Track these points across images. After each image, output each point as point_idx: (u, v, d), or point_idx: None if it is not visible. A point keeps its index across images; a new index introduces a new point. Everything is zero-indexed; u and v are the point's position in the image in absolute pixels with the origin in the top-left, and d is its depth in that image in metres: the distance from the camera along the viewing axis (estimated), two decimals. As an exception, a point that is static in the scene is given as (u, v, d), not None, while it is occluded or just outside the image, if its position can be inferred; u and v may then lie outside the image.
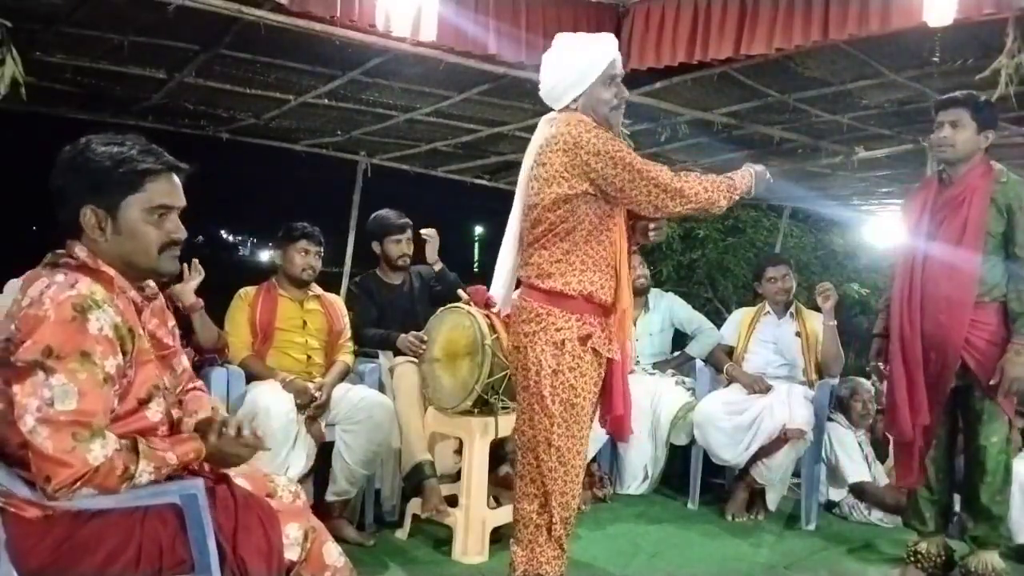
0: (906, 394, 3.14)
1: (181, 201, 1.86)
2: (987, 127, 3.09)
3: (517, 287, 2.68)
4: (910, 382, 3.14)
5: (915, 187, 3.41)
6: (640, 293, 4.72)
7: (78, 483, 1.61)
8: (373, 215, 4.25)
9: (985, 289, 3.03)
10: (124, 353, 1.73)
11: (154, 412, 1.83)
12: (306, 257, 3.66)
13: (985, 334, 3.03)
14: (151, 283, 1.93)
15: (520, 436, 2.58)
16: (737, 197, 2.49)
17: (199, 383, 2.13)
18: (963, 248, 3.02)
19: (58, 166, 1.79)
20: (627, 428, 2.72)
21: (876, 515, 4.18)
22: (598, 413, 2.69)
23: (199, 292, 3.42)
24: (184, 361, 2.06)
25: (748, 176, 2.56)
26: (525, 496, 2.56)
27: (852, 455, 4.24)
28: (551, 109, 2.66)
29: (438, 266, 4.18)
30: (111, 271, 1.78)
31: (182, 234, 1.86)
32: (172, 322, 2.01)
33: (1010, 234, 3.02)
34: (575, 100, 2.54)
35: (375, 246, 4.16)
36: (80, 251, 1.77)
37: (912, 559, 3.29)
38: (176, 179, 1.85)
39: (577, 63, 2.53)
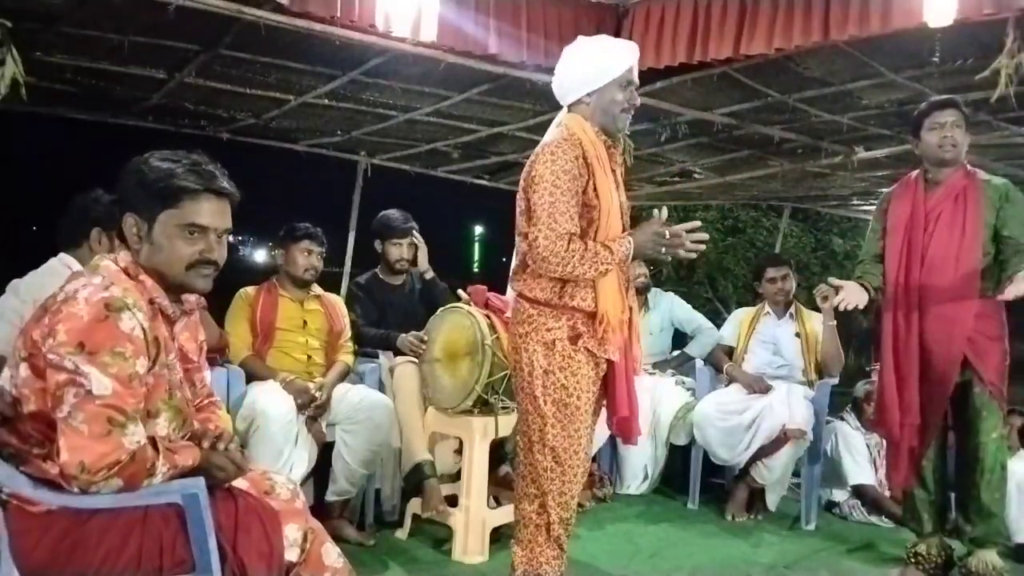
0: (896, 394, 3.16)
1: (220, 224, 1.89)
2: (968, 128, 3.18)
3: None
4: (900, 381, 3.16)
5: (893, 189, 3.39)
6: (640, 292, 4.73)
7: (114, 468, 1.65)
8: (380, 214, 4.24)
9: (987, 284, 3.05)
10: (148, 359, 1.77)
11: (162, 427, 1.86)
12: (309, 257, 3.66)
13: (984, 327, 3.06)
14: (191, 298, 1.96)
15: (520, 437, 2.60)
16: (610, 267, 2.46)
17: (216, 399, 2.18)
18: (965, 242, 3.06)
19: (121, 174, 1.87)
20: (634, 430, 2.73)
21: (876, 515, 4.18)
22: (604, 415, 2.71)
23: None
24: (207, 376, 2.11)
25: (627, 244, 2.49)
26: (525, 496, 2.58)
27: (856, 457, 4.23)
28: (552, 109, 2.67)
29: (429, 274, 4.19)
30: (148, 280, 1.84)
31: (215, 255, 1.89)
32: (202, 337, 2.07)
33: (1000, 222, 3.07)
34: (588, 95, 2.57)
35: (377, 245, 4.16)
36: (123, 258, 1.85)
37: (912, 560, 3.29)
38: (219, 202, 1.88)
39: (597, 61, 2.57)
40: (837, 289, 3.16)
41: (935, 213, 3.15)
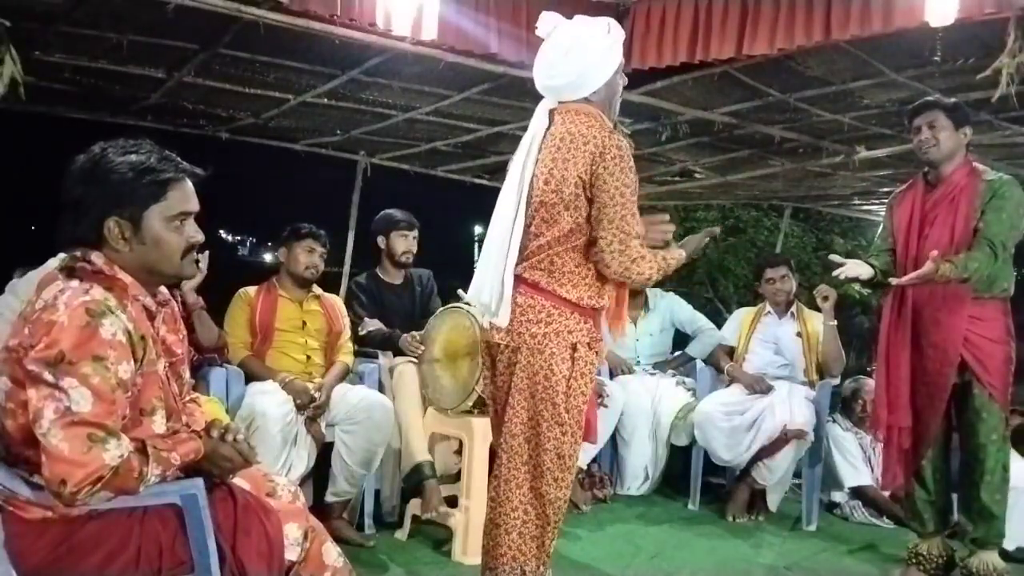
0: (884, 395, 3.17)
1: (197, 206, 1.87)
2: (962, 124, 3.11)
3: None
4: (888, 383, 3.16)
5: (899, 189, 3.40)
6: (636, 292, 4.69)
7: (97, 484, 1.60)
8: (381, 212, 4.24)
9: (984, 286, 3.03)
10: (135, 360, 1.73)
11: (159, 424, 1.82)
12: (311, 256, 3.65)
13: (984, 330, 3.05)
14: (163, 289, 1.93)
15: (523, 443, 2.41)
16: (667, 273, 2.47)
17: (195, 395, 2.13)
18: (956, 243, 3.03)
19: (75, 177, 1.77)
20: (594, 430, 2.60)
21: (877, 516, 4.17)
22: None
23: (198, 291, 3.42)
24: (186, 371, 2.05)
25: (680, 254, 2.53)
26: (521, 505, 2.41)
27: (850, 458, 4.23)
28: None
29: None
30: (127, 278, 1.78)
31: (200, 237, 1.88)
32: (183, 332, 2.01)
33: (981, 218, 3.02)
34: (595, 92, 2.41)
35: (380, 241, 4.12)
36: (96, 258, 1.77)
37: (913, 560, 3.28)
38: (191, 184, 1.86)
39: (606, 51, 2.41)
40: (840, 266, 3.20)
41: (932, 215, 3.13)
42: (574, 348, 2.37)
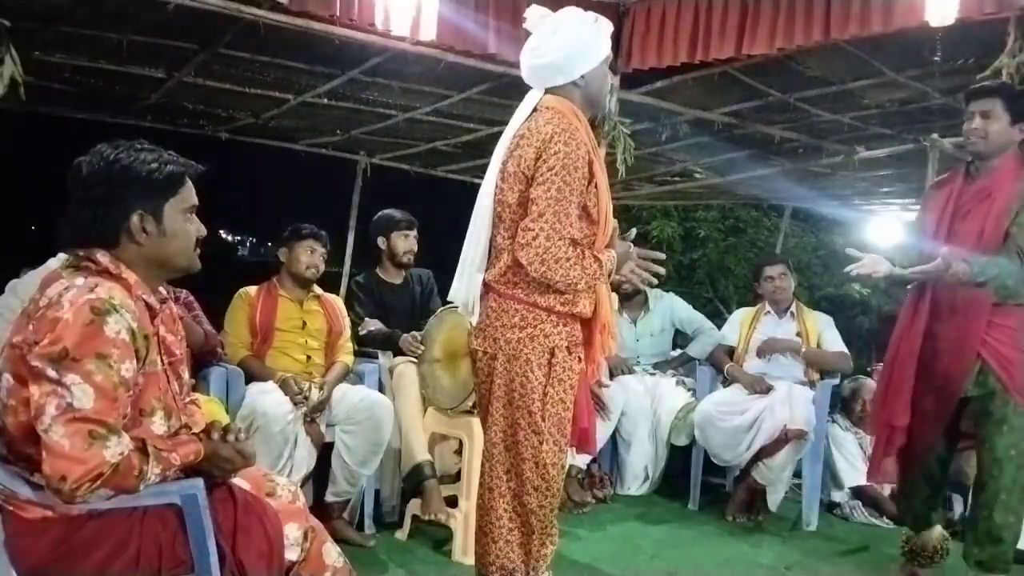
0: (884, 391, 3.07)
1: (197, 200, 1.94)
2: (1022, 119, 2.83)
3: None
4: (891, 380, 3.04)
5: (938, 179, 3.22)
6: (631, 296, 4.68)
7: (97, 481, 1.60)
8: (380, 212, 4.23)
9: (1009, 292, 2.78)
10: (138, 360, 1.74)
11: (158, 426, 1.82)
12: (312, 256, 3.65)
13: (1008, 338, 2.81)
14: (162, 289, 1.94)
15: (504, 452, 2.36)
16: (599, 281, 2.34)
17: (195, 396, 2.13)
18: (983, 243, 2.78)
19: (96, 177, 1.79)
20: (592, 440, 2.57)
21: (876, 516, 4.18)
22: None
23: (196, 291, 3.42)
24: (186, 372, 2.05)
25: (612, 259, 2.36)
26: (506, 513, 2.37)
27: (850, 458, 4.23)
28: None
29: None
30: (132, 277, 1.79)
31: (204, 231, 1.95)
32: (182, 332, 2.02)
33: (1017, 219, 2.76)
34: (582, 77, 2.36)
35: (381, 242, 4.11)
36: (102, 256, 1.78)
37: (908, 556, 3.26)
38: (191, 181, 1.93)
39: (592, 37, 2.37)
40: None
41: (964, 209, 2.89)
42: (552, 353, 2.31)
